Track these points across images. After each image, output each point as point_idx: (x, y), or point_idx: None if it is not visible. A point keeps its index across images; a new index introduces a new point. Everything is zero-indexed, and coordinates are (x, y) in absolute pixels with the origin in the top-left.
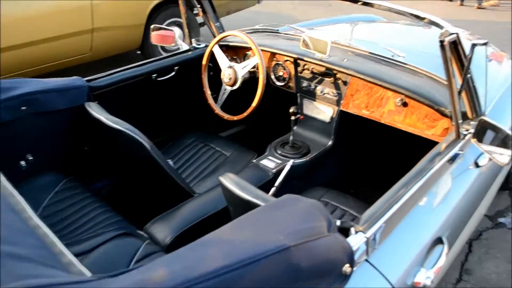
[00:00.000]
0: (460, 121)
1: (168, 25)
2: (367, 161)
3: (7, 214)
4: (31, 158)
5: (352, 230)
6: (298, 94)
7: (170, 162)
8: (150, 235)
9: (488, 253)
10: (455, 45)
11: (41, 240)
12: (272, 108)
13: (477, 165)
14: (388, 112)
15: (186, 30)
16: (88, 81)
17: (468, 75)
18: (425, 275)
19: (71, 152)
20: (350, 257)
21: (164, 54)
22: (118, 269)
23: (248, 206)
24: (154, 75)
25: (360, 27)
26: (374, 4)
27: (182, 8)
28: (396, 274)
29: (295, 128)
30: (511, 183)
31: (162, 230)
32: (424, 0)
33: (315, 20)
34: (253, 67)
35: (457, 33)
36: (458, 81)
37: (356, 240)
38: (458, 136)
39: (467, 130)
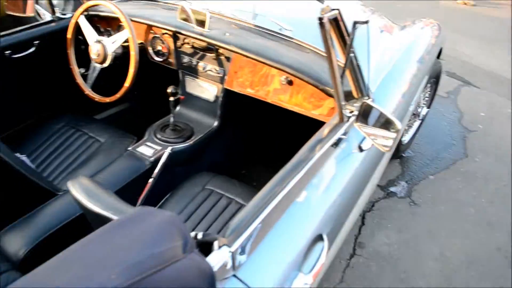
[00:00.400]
0: (343, 102)
1: None
2: (257, 140)
3: None
4: None
5: (215, 244)
6: (180, 71)
7: (23, 157)
8: (1, 248)
9: (380, 224)
10: (336, 22)
11: None
12: (154, 86)
13: (361, 149)
14: (274, 90)
15: None
16: None
17: (351, 54)
18: (303, 281)
19: None
20: (210, 281)
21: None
22: None
23: (100, 218)
24: (8, 51)
25: None
26: None
27: None
28: (269, 285)
29: (177, 108)
30: (402, 152)
31: (15, 241)
32: None
33: None
34: (125, 42)
35: (338, 10)
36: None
37: (219, 257)
38: (342, 119)
39: (351, 112)
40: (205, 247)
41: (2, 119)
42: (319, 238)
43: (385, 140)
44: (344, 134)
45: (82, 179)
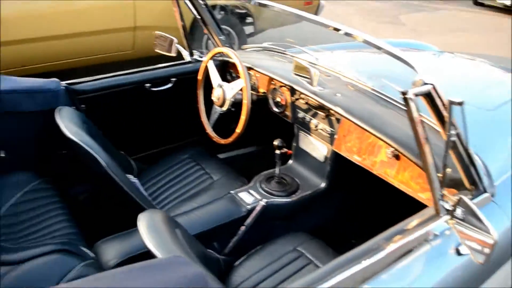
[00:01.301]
0: (441, 192)
1: None
2: (365, 210)
3: None
4: (3, 155)
5: None
6: (295, 125)
7: (134, 180)
8: (97, 255)
9: None
10: (430, 98)
11: None
12: (277, 135)
13: (458, 253)
14: (380, 162)
15: (185, 41)
16: (72, 84)
17: (452, 137)
18: None
19: (46, 154)
20: None
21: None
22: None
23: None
24: (148, 84)
25: (383, 58)
26: (352, 35)
27: (176, 14)
28: None
29: (289, 162)
30: None
31: (110, 252)
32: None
33: (342, 43)
34: (240, 89)
35: (432, 84)
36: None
37: None
38: (438, 212)
39: (454, 205)
40: None
41: (136, 142)
42: None
43: (481, 248)
44: (439, 229)
45: (156, 212)
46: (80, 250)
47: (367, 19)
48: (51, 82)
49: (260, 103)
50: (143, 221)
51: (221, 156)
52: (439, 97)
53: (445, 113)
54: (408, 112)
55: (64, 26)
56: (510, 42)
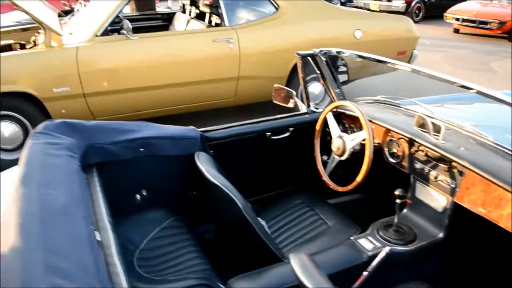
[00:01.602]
0: None
1: (310, 80)
2: (485, 263)
3: (79, 244)
4: (145, 193)
5: None
6: (412, 176)
7: (263, 222)
8: None
9: None
10: None
11: (93, 257)
12: (384, 184)
13: None
14: (507, 215)
15: (304, 93)
16: (205, 131)
17: None
18: None
19: (182, 194)
20: None
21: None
22: None
23: None
24: (269, 133)
25: (493, 109)
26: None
27: (300, 70)
28: None
29: (404, 211)
30: None
31: None
32: None
33: (451, 94)
34: (363, 140)
35: None
36: None
37: None
38: None
39: None
40: None
41: (256, 185)
42: None
43: None
44: None
45: (303, 254)
46: (218, 285)
47: (457, 66)
48: (191, 130)
49: (374, 153)
50: (296, 262)
51: (330, 201)
52: None
53: None
54: None
55: (174, 76)
56: None
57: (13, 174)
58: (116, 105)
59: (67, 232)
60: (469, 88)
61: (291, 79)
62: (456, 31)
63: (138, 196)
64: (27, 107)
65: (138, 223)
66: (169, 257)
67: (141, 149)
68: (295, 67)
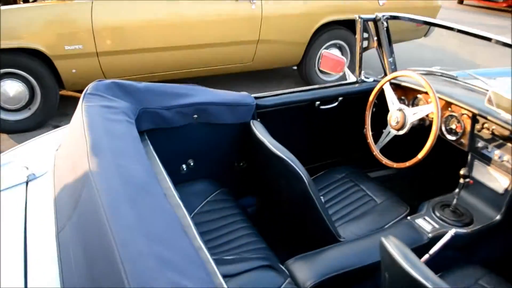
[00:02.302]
0: None
1: (329, 46)
2: None
3: (173, 229)
4: (192, 164)
5: None
6: (470, 154)
7: (322, 199)
8: (291, 273)
9: None
10: None
11: (204, 268)
12: (432, 160)
13: None
14: None
15: (358, 61)
16: (256, 98)
17: None
18: None
19: (229, 165)
20: None
21: (321, 76)
22: None
23: (411, 283)
24: (318, 102)
25: None
26: None
27: (358, 36)
28: None
29: (462, 191)
30: None
31: (305, 272)
32: None
33: (497, 68)
34: (425, 115)
35: None
36: None
37: None
38: None
39: None
40: None
41: (301, 156)
42: None
43: None
44: None
45: (394, 239)
46: (279, 267)
47: (464, 41)
48: (247, 97)
49: (419, 128)
50: (393, 247)
51: (372, 175)
52: None
53: None
54: None
55: (192, 37)
56: None
57: (68, 139)
58: (130, 66)
59: (158, 213)
60: None
61: (310, 45)
62: (461, 1)
63: (184, 166)
64: (34, 65)
65: (183, 196)
66: (220, 233)
67: (195, 116)
68: (316, 32)
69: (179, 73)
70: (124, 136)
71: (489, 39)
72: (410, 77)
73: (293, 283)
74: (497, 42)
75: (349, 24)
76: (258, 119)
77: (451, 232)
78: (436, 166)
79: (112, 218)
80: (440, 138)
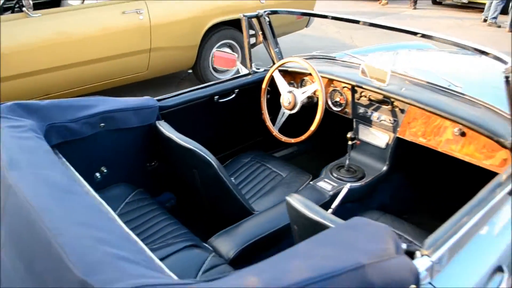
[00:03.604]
0: None
1: (220, 46)
2: (422, 187)
3: (102, 217)
4: (105, 170)
5: (418, 253)
6: (354, 120)
7: (233, 180)
8: (215, 248)
9: None
10: None
11: (136, 244)
12: (325, 132)
13: None
14: (446, 141)
15: (247, 55)
16: (158, 100)
17: None
18: None
19: (141, 166)
20: (416, 279)
21: (215, 74)
22: (187, 277)
23: (316, 226)
24: (216, 96)
25: (413, 55)
26: (433, 37)
27: (245, 33)
28: None
29: (351, 153)
30: None
31: (226, 244)
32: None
33: (368, 46)
34: (312, 93)
35: None
36: None
37: (421, 263)
38: None
39: None
40: (409, 255)
41: (211, 147)
42: (499, 269)
43: None
44: None
45: (296, 195)
46: (202, 244)
47: (342, 27)
48: (149, 100)
49: (308, 104)
50: (297, 202)
51: (276, 155)
52: None
53: None
54: (508, 90)
55: (84, 53)
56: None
57: None
58: (24, 90)
59: (85, 207)
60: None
61: (202, 47)
62: None
63: (97, 175)
64: None
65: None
66: (144, 228)
67: (102, 124)
68: (205, 35)
69: (75, 91)
70: (37, 150)
71: (357, 22)
72: (295, 62)
73: (217, 256)
74: (364, 23)
75: (236, 24)
76: (163, 120)
77: (347, 186)
78: (330, 136)
79: (44, 216)
80: (329, 111)
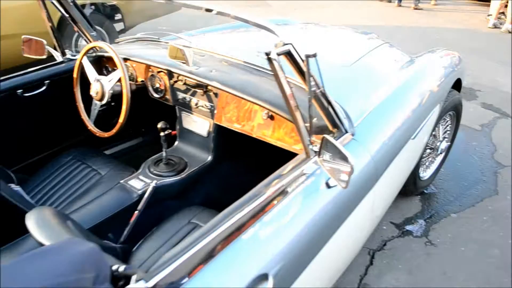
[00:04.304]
0: (308, 137)
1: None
2: (251, 175)
3: None
4: None
5: (133, 278)
6: (176, 107)
7: (17, 188)
8: None
9: (390, 265)
10: (291, 56)
11: None
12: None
13: (328, 186)
14: (258, 125)
15: (55, 41)
16: None
17: (313, 88)
18: None
19: None
20: None
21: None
22: None
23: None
24: (20, 90)
25: (254, 34)
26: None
27: (44, 16)
28: None
29: (176, 143)
30: (421, 188)
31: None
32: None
33: (212, 26)
34: (118, 80)
35: (291, 44)
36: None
37: None
38: (308, 155)
39: (320, 146)
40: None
41: (15, 154)
42: (264, 278)
43: (343, 176)
44: (311, 169)
45: (44, 209)
46: None
47: (236, 4)
48: None
49: (140, 92)
50: (31, 219)
51: (107, 152)
52: (298, 54)
53: (304, 68)
54: (273, 70)
55: None
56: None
57: None
58: None
59: None
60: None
61: (60, 31)
62: None
63: None
64: None
65: None
66: None
67: None
68: (62, 18)
69: None
70: None
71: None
72: (99, 47)
73: None
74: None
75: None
76: None
77: (152, 184)
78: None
79: None
80: (152, 98)
